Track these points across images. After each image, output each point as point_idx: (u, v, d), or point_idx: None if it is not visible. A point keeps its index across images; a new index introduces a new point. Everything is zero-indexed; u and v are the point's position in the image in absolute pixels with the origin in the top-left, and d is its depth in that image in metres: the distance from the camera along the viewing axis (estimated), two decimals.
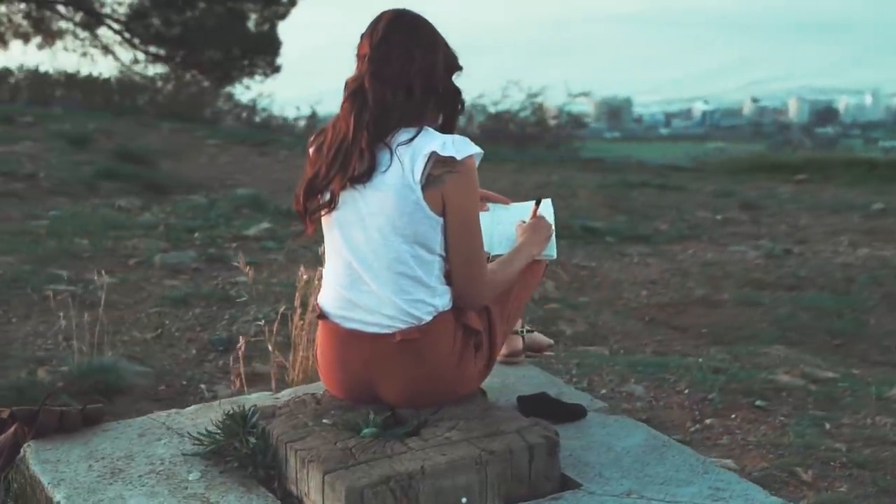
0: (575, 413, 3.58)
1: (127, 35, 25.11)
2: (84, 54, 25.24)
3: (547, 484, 3.13)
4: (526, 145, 23.91)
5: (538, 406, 3.60)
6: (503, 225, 3.70)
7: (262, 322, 5.72)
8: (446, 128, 3.33)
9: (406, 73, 3.19)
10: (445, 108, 3.32)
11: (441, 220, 3.18)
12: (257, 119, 23.51)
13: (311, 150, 3.31)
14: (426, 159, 3.13)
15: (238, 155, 15.20)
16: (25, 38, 25.27)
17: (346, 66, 3.33)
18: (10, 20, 25.47)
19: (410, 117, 3.20)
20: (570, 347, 6.35)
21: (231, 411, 3.35)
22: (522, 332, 4.02)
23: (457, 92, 3.33)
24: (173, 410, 3.68)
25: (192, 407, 3.72)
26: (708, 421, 5.03)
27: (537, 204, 3.68)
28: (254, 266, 7.19)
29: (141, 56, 25.11)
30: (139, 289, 6.76)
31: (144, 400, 4.90)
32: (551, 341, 4.19)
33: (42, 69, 23.33)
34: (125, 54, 25.02)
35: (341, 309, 3.28)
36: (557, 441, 3.15)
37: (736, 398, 5.32)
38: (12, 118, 14.62)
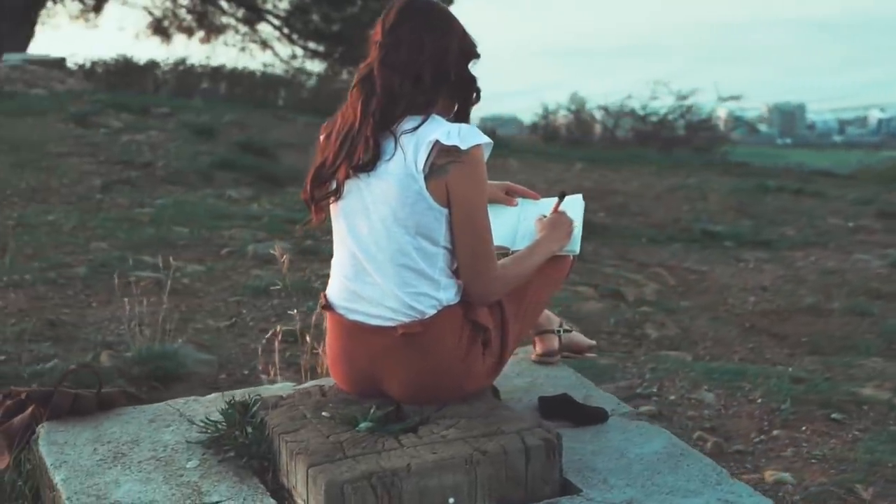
0: (595, 416, 3.45)
1: (286, 31, 25.48)
2: (243, 49, 25.75)
3: (545, 487, 3.01)
4: (674, 148, 23.55)
5: (559, 408, 3.49)
6: (529, 220, 3.59)
7: None
8: (460, 117, 3.24)
9: (415, 60, 3.11)
10: (459, 97, 3.22)
11: (446, 211, 3.09)
12: None
13: (321, 138, 3.25)
14: (429, 148, 3.05)
15: None
16: (189, 33, 25.90)
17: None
18: (174, 15, 26.12)
19: (418, 105, 3.12)
20: (652, 351, 6.18)
21: (232, 400, 3.31)
22: (559, 331, 3.90)
23: (471, 80, 3.24)
24: (192, 398, 3.66)
25: (212, 395, 3.70)
26: (775, 432, 4.83)
27: (560, 199, 3.55)
28: None
29: (299, 52, 25.46)
30: (225, 278, 6.79)
31: (202, 388, 4.89)
32: (592, 342, 4.05)
33: (189, 62, 23.82)
34: (284, 50, 25.43)
35: (346, 300, 3.22)
36: (557, 444, 3.03)
37: (811, 410, 5.10)
38: (148, 108, 14.90)
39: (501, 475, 2.96)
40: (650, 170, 15.91)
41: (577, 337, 3.98)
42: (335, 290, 3.26)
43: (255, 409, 3.23)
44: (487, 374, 3.27)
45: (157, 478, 3.12)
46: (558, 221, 3.44)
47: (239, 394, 3.58)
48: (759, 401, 5.16)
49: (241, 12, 25.66)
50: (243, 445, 3.15)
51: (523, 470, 2.99)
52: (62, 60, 17.67)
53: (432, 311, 3.15)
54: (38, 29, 24.55)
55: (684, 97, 25.18)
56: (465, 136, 3.06)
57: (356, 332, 3.20)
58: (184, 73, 23.50)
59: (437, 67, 3.14)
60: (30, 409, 3.48)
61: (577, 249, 3.50)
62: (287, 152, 13.08)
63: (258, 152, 11.99)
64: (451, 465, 2.90)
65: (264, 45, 25.77)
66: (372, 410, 3.14)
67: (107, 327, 5.62)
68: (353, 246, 3.18)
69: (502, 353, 3.29)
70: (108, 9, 25.92)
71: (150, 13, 25.82)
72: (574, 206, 3.64)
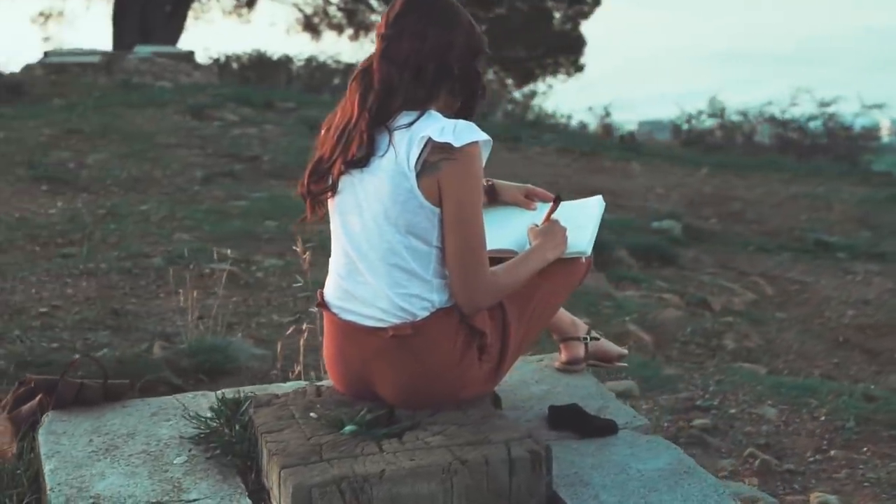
0: (603, 429, 3.32)
1: None
2: None
3: (530, 500, 2.90)
4: (814, 156, 22.93)
5: (567, 418, 3.36)
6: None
7: None
8: (464, 113, 3.14)
9: (417, 52, 3.02)
10: (464, 93, 3.13)
11: (439, 210, 3.00)
12: (529, 116, 23.50)
13: (322, 132, 3.18)
14: (422, 145, 2.95)
15: None
16: (339, 30, 26.23)
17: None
18: (325, 12, 26.46)
19: (417, 100, 3.03)
20: (726, 363, 5.98)
21: (223, 396, 3.26)
22: (586, 339, 3.76)
23: (477, 76, 3.14)
24: (201, 392, 3.63)
25: (225, 390, 3.65)
26: (833, 452, 4.63)
27: (555, 203, 3.40)
28: None
29: None
30: (300, 272, 6.77)
31: (250, 383, 4.87)
32: (623, 351, 3.90)
33: (321, 58, 24.04)
34: None
35: (339, 299, 3.15)
36: (544, 456, 2.91)
37: (876, 430, 4.88)
38: (272, 103, 15.03)
39: (482, 486, 2.85)
40: (782, 177, 15.50)
41: (606, 345, 3.84)
42: (330, 289, 3.19)
43: (245, 406, 3.17)
44: (485, 381, 3.16)
45: (143, 472, 3.08)
46: (551, 229, 3.30)
47: (248, 390, 3.53)
48: (823, 418, 4.95)
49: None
50: (229, 443, 3.10)
51: (507, 481, 2.87)
52: (190, 54, 17.96)
53: (424, 314, 3.05)
54: (192, 23, 25.24)
55: (827, 104, 24.53)
56: (459, 132, 2.96)
57: (350, 333, 3.13)
58: (316, 69, 23.71)
59: (440, 61, 3.05)
60: (38, 398, 3.48)
61: (589, 251, 3.36)
62: None
63: None
64: (426, 473, 2.80)
65: None
66: (361, 413, 3.06)
67: (169, 318, 5.64)
68: (346, 244, 3.11)
69: (502, 359, 3.18)
70: (259, 5, 26.43)
71: (301, 10, 26.23)
72: (590, 207, 3.52)
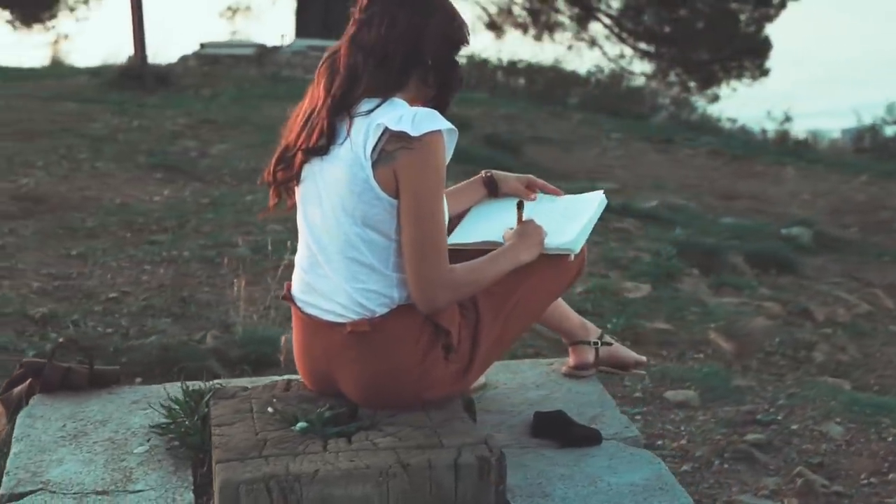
0: (585, 438, 3.15)
1: (616, 30, 25.46)
2: (570, 47, 25.89)
3: None
4: None
5: (550, 425, 3.19)
6: (539, 217, 3.31)
7: None
8: (438, 104, 3.01)
9: (385, 38, 2.91)
10: (439, 84, 2.99)
11: (397, 201, 2.87)
12: (692, 118, 23.00)
13: (291, 118, 3.09)
14: (378, 133, 2.83)
15: (634, 150, 14.89)
16: (523, 29, 26.25)
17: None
18: (509, 11, 26.52)
19: (381, 87, 2.91)
20: (808, 376, 5.68)
21: (187, 387, 3.20)
22: (596, 343, 3.58)
23: (452, 67, 3.00)
24: (197, 383, 3.56)
25: (217, 381, 3.59)
26: (892, 476, 4.33)
27: (519, 209, 3.22)
28: None
29: (628, 51, 25.40)
30: None
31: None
32: (642, 358, 3.70)
33: (484, 56, 23.95)
34: (612, 49, 25.45)
35: (303, 293, 3.05)
36: (494, 464, 2.76)
37: None
38: None
39: (425, 491, 2.72)
40: None
41: (621, 351, 3.64)
42: (295, 282, 3.10)
43: (207, 398, 3.11)
44: (452, 381, 3.02)
45: (100, 460, 3.04)
46: (525, 230, 3.14)
47: (235, 383, 3.46)
48: (891, 439, 4.65)
49: (573, 11, 25.80)
50: (186, 435, 3.03)
51: (452, 488, 2.74)
52: None
53: (383, 310, 2.93)
54: None
55: None
56: (419, 121, 2.83)
57: (313, 328, 3.03)
58: (478, 66, 23.64)
59: (410, 49, 2.93)
60: (28, 381, 3.47)
61: (576, 248, 3.19)
62: (536, 148, 12.92)
63: (502, 146, 11.87)
64: (362, 475, 2.68)
65: (592, 43, 25.82)
66: (320, 410, 2.95)
67: (236, 307, 5.63)
68: (307, 235, 3.01)
69: (472, 360, 3.03)
70: None
71: (484, 9, 26.33)
72: (588, 203, 3.35)
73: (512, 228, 3.12)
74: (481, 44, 24.62)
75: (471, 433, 2.88)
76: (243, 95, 13.02)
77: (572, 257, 3.20)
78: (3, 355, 4.77)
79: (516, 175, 3.47)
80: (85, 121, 10.94)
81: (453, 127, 2.90)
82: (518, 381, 3.56)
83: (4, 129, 10.31)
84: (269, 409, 2.98)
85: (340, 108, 2.92)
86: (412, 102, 2.95)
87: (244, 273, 5.91)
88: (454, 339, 2.99)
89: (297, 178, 3.01)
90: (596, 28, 25.65)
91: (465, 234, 3.30)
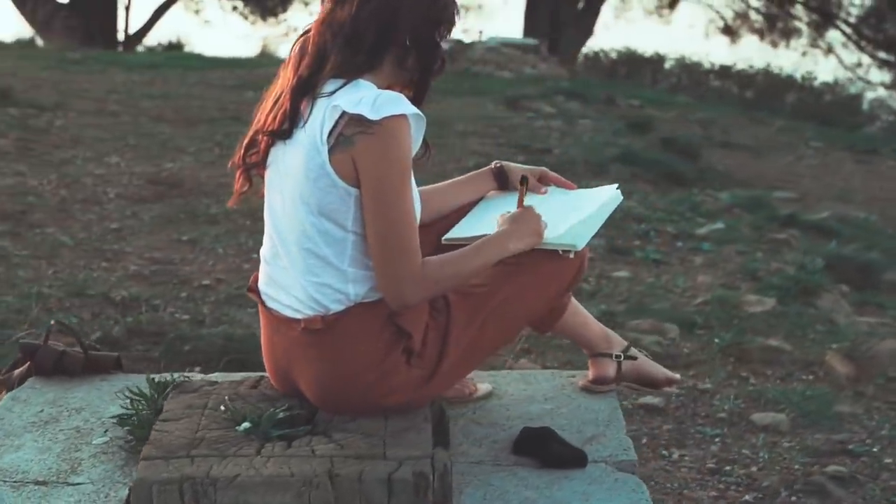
0: (567, 460, 2.87)
1: (855, 38, 24.76)
2: (804, 54, 25.30)
3: None
4: None
5: (531, 442, 2.93)
6: (551, 210, 3.06)
7: None
8: (418, 89, 2.80)
9: (356, 16, 2.72)
10: (420, 66, 2.78)
11: (355, 191, 2.68)
12: None
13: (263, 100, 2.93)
14: (336, 116, 2.64)
15: (831, 160, 14.19)
16: (760, 35, 25.80)
17: None
18: (745, 16, 26.09)
19: (349, 68, 2.72)
20: None
21: (153, 379, 3.07)
22: (619, 357, 3.29)
23: (433, 48, 2.79)
24: (194, 372, 3.45)
25: (216, 374, 3.46)
26: None
27: (523, 184, 2.97)
28: (651, 264, 6.68)
29: (866, 60, 24.66)
30: None
31: None
32: (675, 376, 3.38)
33: (695, 59, 23.42)
34: (849, 57, 24.77)
35: (266, 285, 2.89)
36: (432, 482, 2.53)
37: None
38: (613, 99, 14.72)
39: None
40: None
41: (648, 366, 3.34)
42: (260, 274, 2.93)
43: (168, 390, 2.97)
44: (415, 388, 2.79)
45: (56, 449, 2.94)
46: (521, 216, 2.89)
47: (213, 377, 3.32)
48: None
49: (811, 17, 25.20)
50: (137, 428, 2.90)
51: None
52: (538, 45, 17.84)
53: (338, 307, 2.74)
54: (612, 22, 25.42)
55: None
56: (380, 104, 2.62)
57: (273, 322, 2.86)
58: (688, 69, 23.12)
59: (382, 26, 2.72)
60: (28, 364, 3.41)
61: (579, 245, 2.92)
62: (721, 153, 12.43)
63: (679, 150, 11.42)
64: (283, 483, 2.50)
65: (829, 51, 25.16)
66: (273, 411, 2.78)
67: None
68: (270, 224, 2.84)
69: (438, 366, 2.80)
70: (680, 6, 26.39)
71: (719, 13, 25.96)
72: (599, 196, 3.10)
73: (508, 212, 2.89)
74: (694, 47, 24.12)
75: (420, 446, 2.66)
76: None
77: (572, 255, 2.93)
78: (69, 337, 4.74)
79: (528, 167, 3.23)
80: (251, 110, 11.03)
81: (419, 112, 2.69)
82: (528, 393, 3.30)
83: (173, 114, 10.49)
84: (222, 407, 2.82)
85: (305, 90, 2.74)
86: (390, 86, 2.75)
87: None
88: (416, 343, 2.76)
89: (264, 163, 2.83)
90: (833, 35, 24.92)
91: (465, 228, 3.08)
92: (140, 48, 23.25)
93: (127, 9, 24.14)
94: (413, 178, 2.83)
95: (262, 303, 2.88)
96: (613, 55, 23.52)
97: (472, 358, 2.88)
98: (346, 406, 2.78)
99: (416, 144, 2.73)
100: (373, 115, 2.61)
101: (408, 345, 2.76)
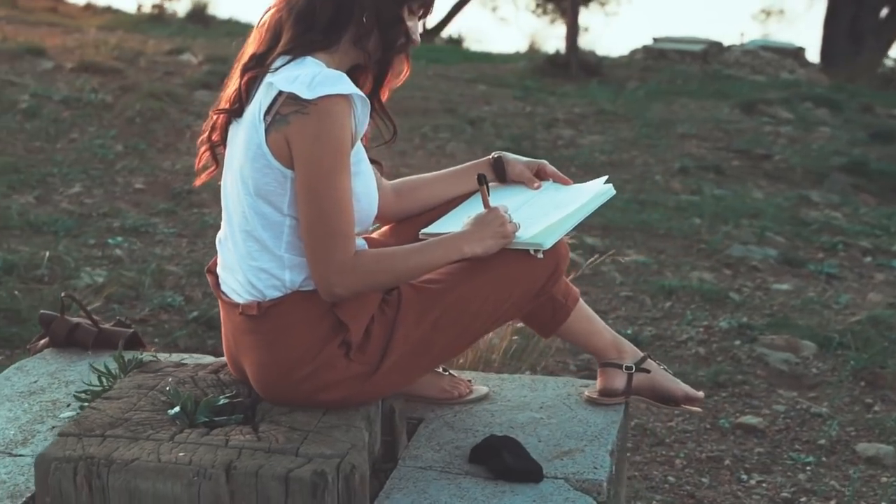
0: (517, 473, 2.67)
1: None
2: None
3: None
4: None
5: (487, 453, 2.74)
6: (536, 206, 2.87)
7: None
8: (380, 68, 2.67)
9: None
10: (380, 44, 2.65)
11: (292, 172, 2.56)
12: None
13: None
14: (273, 94, 2.54)
15: None
16: None
17: None
18: None
19: (301, 45, 2.62)
20: None
21: (121, 356, 3.03)
22: (630, 368, 3.06)
23: (395, 26, 2.64)
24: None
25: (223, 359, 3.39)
26: None
27: (481, 183, 2.77)
28: (822, 278, 6.28)
29: None
30: (658, 274, 6.22)
31: None
32: (697, 395, 3.10)
33: None
34: None
35: (219, 267, 2.81)
36: (330, 484, 2.39)
37: None
38: (872, 108, 13.95)
39: (250, 500, 2.40)
40: None
41: (665, 380, 3.08)
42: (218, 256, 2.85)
43: (130, 368, 2.93)
44: (354, 385, 2.64)
45: (23, 419, 2.97)
46: (484, 219, 2.70)
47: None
48: None
49: None
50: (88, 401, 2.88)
51: (282, 503, 2.39)
52: (800, 50, 17.08)
53: (275, 294, 2.63)
54: None
55: None
56: (317, 83, 2.50)
57: (224, 306, 2.78)
58: None
59: (339, 2, 2.60)
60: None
61: (547, 244, 2.72)
62: None
63: None
64: (174, 472, 2.41)
65: None
66: (212, 397, 2.69)
67: None
68: (222, 203, 2.75)
69: (381, 363, 2.65)
70: None
71: None
72: (584, 191, 2.89)
73: (469, 216, 2.73)
74: None
75: (337, 445, 2.51)
76: (664, 91, 12.61)
77: (541, 254, 2.73)
78: (169, 313, 4.81)
79: (527, 159, 3.04)
80: (477, 103, 11.00)
81: (361, 94, 2.54)
82: (525, 400, 3.10)
83: (391, 105, 10.53)
84: (167, 388, 2.75)
85: (254, 67, 2.64)
86: (349, 66, 2.66)
87: None
88: (355, 336, 2.62)
89: (223, 142, 2.75)
90: None
91: (446, 223, 2.92)
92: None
93: None
94: (366, 162, 2.69)
95: (217, 286, 2.79)
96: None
97: (420, 359, 2.71)
98: (282, 397, 2.67)
99: (360, 127, 2.58)
100: (307, 94, 2.48)
101: (346, 338, 2.61)
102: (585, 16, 25.75)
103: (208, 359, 3.22)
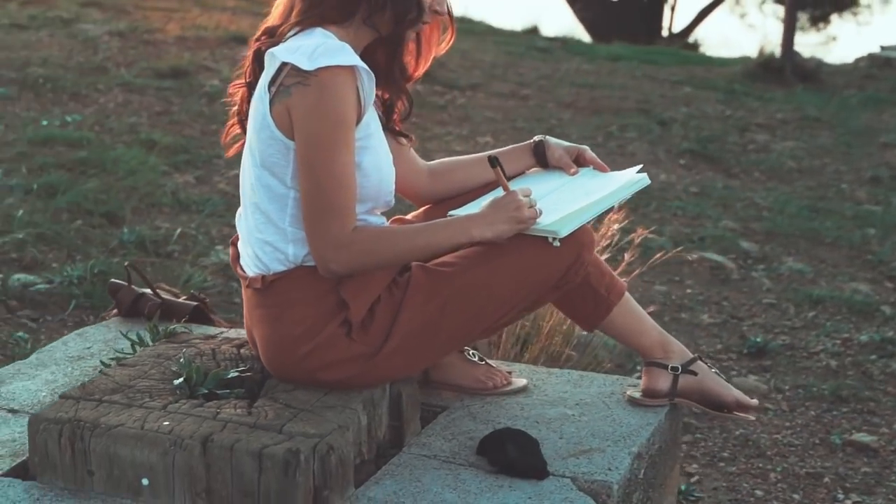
0: (518, 469, 2.56)
1: None
2: None
3: None
4: None
5: (492, 445, 2.64)
6: (566, 193, 2.75)
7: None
8: (392, 43, 2.61)
9: None
10: (392, 18, 2.58)
11: (293, 144, 2.52)
12: None
13: None
14: (277, 64, 2.51)
15: None
16: None
17: None
18: None
19: (311, 17, 2.58)
20: None
21: (155, 325, 3.05)
22: (676, 369, 2.90)
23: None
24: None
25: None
26: None
27: (493, 164, 2.65)
28: None
29: None
30: (811, 283, 5.93)
31: None
32: (751, 401, 2.91)
33: None
34: None
35: (239, 241, 2.79)
36: (303, 462, 2.34)
37: None
38: None
39: (224, 476, 2.38)
40: None
41: (715, 385, 2.90)
42: None
43: (159, 337, 2.95)
44: (355, 366, 2.57)
45: (59, 383, 3.02)
46: (500, 203, 2.59)
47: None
48: None
49: None
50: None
51: (255, 480, 2.36)
52: None
53: (279, 267, 2.59)
54: None
55: None
56: (319, 54, 2.45)
57: (241, 280, 2.76)
58: None
59: None
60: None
61: (562, 232, 2.59)
62: None
63: None
64: (153, 439, 2.40)
65: None
66: (220, 370, 2.68)
67: None
68: (240, 177, 2.74)
69: (384, 345, 2.58)
70: None
71: None
72: (615, 180, 2.77)
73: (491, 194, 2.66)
74: None
75: (324, 426, 2.45)
76: (879, 99, 11.99)
77: (557, 242, 2.60)
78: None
79: (568, 144, 2.91)
80: (675, 105, 10.73)
81: (365, 67, 2.47)
82: (564, 395, 2.97)
83: (587, 103, 10.40)
84: (180, 360, 2.74)
85: (269, 37, 2.61)
86: (362, 43, 2.60)
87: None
88: (355, 315, 2.55)
89: (247, 115, 2.72)
90: None
91: (477, 207, 2.82)
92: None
93: (672, 8, 24.35)
94: (378, 137, 2.62)
95: (237, 259, 2.77)
96: None
97: (426, 343, 2.61)
98: (286, 374, 2.62)
99: (367, 100, 2.51)
100: (307, 65, 2.44)
101: (348, 317, 2.55)
102: (837, 25, 24.98)
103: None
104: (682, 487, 3.60)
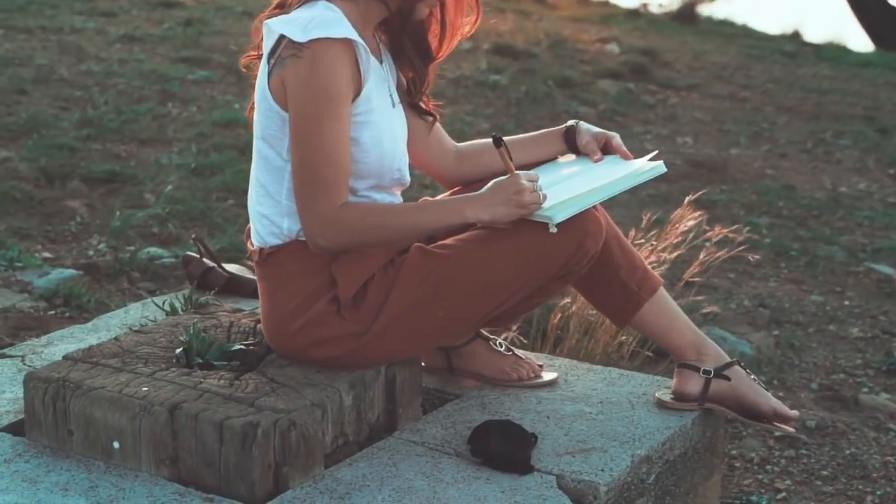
0: (503, 461, 2.47)
1: None
2: None
3: (240, 484, 2.35)
4: None
5: (479, 435, 2.55)
6: (580, 179, 2.64)
7: None
8: (401, 18, 2.57)
9: None
10: None
11: (288, 116, 2.51)
12: None
13: None
14: (275, 36, 2.50)
15: None
16: None
17: None
18: None
19: None
20: None
21: (190, 295, 3.08)
22: (708, 373, 2.74)
23: None
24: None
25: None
26: None
27: (496, 144, 2.53)
28: None
29: None
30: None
31: None
32: (790, 412, 2.72)
33: None
34: None
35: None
36: (260, 437, 2.33)
37: None
38: None
39: (189, 445, 2.39)
40: None
41: (752, 392, 2.72)
42: None
43: (185, 306, 2.98)
44: (346, 345, 2.53)
45: (90, 339, 3.07)
46: (502, 185, 2.48)
47: None
48: None
49: None
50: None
51: (217, 451, 2.36)
52: None
53: (275, 241, 2.57)
54: None
55: None
56: (312, 26, 2.42)
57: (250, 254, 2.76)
58: None
59: None
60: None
61: (556, 220, 2.48)
62: None
63: None
64: (126, 403, 2.43)
65: None
66: (222, 342, 2.69)
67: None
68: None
69: (374, 324, 2.52)
70: None
71: None
72: (626, 167, 2.62)
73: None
74: None
75: (295, 402, 2.42)
76: None
77: (554, 228, 2.49)
78: None
79: (597, 130, 2.78)
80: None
81: (358, 39, 2.42)
82: (591, 392, 2.85)
83: (810, 108, 9.96)
84: (190, 330, 2.76)
85: (275, 9, 2.59)
86: (373, 18, 2.56)
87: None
88: (343, 292, 2.51)
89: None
90: None
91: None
92: None
93: None
94: (381, 112, 2.56)
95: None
96: None
97: (418, 326, 2.53)
98: (282, 349, 2.60)
99: (366, 74, 2.46)
100: (300, 37, 2.41)
101: (337, 294, 2.51)
102: None
103: None
104: (754, 499, 3.40)
